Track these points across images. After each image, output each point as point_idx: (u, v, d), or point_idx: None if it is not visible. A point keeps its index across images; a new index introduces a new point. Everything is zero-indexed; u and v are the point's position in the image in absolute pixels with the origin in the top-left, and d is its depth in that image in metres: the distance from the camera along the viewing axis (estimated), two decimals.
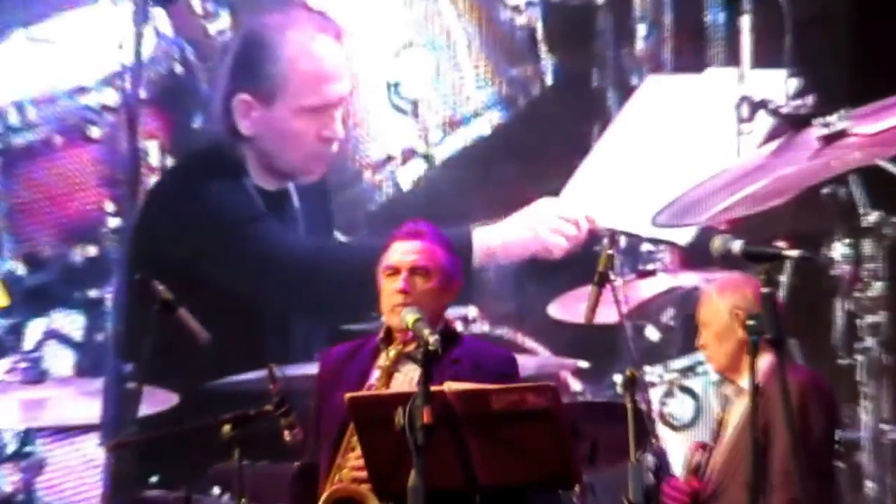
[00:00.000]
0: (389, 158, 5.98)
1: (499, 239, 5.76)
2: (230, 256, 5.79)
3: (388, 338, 3.65)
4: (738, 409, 3.89)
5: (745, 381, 3.75)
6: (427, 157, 6.01)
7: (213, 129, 5.98)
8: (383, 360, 3.65)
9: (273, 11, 6.12)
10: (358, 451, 3.46)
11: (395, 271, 3.67)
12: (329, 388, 3.70)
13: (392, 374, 3.62)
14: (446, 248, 3.78)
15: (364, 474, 3.41)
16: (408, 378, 3.49)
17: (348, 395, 3.44)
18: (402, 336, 3.56)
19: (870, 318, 4.76)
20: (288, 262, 5.75)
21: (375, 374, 3.65)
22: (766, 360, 3.71)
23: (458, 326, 4.71)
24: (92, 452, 5.61)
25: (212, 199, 5.77)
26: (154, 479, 5.31)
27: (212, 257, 5.79)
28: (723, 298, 3.92)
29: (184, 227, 5.81)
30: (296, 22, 5.99)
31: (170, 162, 6.01)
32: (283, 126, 5.81)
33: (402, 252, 3.70)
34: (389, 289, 3.67)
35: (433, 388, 3.21)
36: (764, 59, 5.54)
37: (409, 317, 3.38)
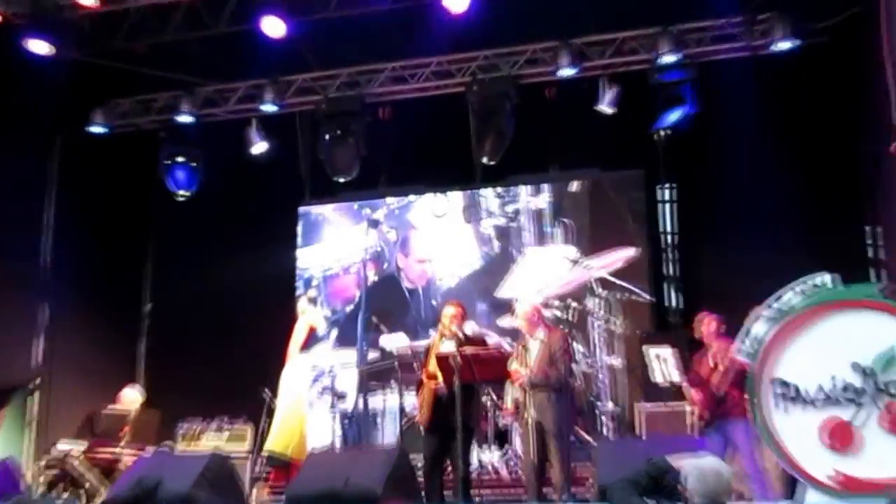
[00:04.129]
0: (443, 278, 11.97)
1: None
2: (394, 307, 11.78)
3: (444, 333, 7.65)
4: (534, 345, 7.39)
5: (537, 336, 7.49)
6: (459, 277, 11.83)
7: (391, 268, 12.22)
8: (436, 339, 7.74)
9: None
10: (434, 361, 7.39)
11: (444, 315, 7.73)
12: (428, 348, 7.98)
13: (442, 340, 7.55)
14: (462, 308, 7.88)
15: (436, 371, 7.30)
16: (449, 346, 7.39)
17: (436, 353, 7.36)
18: (448, 333, 7.60)
19: (600, 322, 11.12)
20: (409, 309, 11.91)
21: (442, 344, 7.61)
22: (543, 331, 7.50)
23: (474, 327, 9.40)
24: (354, 373, 11.32)
25: (386, 289, 12.02)
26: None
27: (386, 308, 11.44)
28: (527, 307, 7.76)
29: (379, 297, 11.67)
30: (414, 252, 12.27)
31: (376, 278, 12.06)
32: (411, 266, 12.10)
33: (449, 309, 7.80)
34: (444, 318, 7.72)
35: (461, 350, 7.16)
36: (564, 242, 11.53)
37: (447, 325, 7.66)
